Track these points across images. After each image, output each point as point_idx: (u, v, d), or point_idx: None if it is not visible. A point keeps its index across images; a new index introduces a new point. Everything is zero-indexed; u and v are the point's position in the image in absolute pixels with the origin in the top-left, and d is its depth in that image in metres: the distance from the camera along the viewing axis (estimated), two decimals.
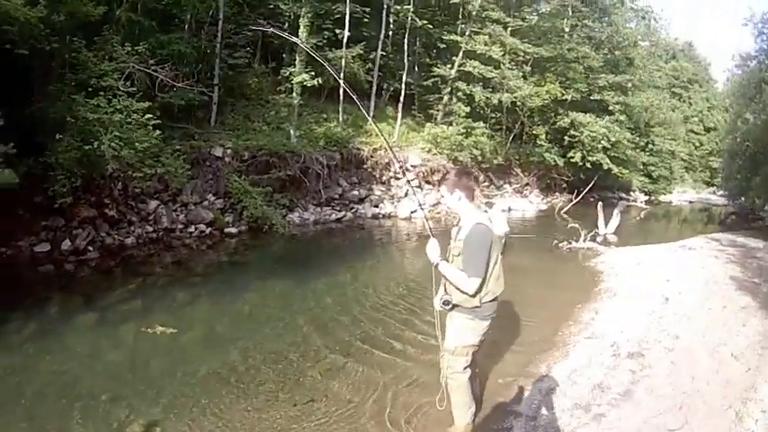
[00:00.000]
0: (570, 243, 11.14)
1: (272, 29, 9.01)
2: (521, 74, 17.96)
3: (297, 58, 15.35)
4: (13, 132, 7.87)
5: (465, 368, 3.41)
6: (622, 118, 18.16)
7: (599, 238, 12.35)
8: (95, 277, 8.97)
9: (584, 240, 11.07)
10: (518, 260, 9.96)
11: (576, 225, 11.58)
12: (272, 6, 16.08)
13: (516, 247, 10.97)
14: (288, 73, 15.16)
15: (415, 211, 16.39)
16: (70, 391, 4.77)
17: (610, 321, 5.88)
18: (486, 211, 9.84)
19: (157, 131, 9.71)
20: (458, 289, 3.24)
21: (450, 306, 3.32)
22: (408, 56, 18.60)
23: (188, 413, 4.25)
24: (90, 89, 9.53)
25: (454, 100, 18.27)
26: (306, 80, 14.45)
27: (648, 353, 4.72)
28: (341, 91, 16.82)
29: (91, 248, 10.13)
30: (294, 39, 7.31)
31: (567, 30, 20.08)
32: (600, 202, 14.02)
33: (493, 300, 3.34)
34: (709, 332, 5.32)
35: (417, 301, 6.92)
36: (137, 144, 9.13)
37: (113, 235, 10.78)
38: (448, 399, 3.51)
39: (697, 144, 41.80)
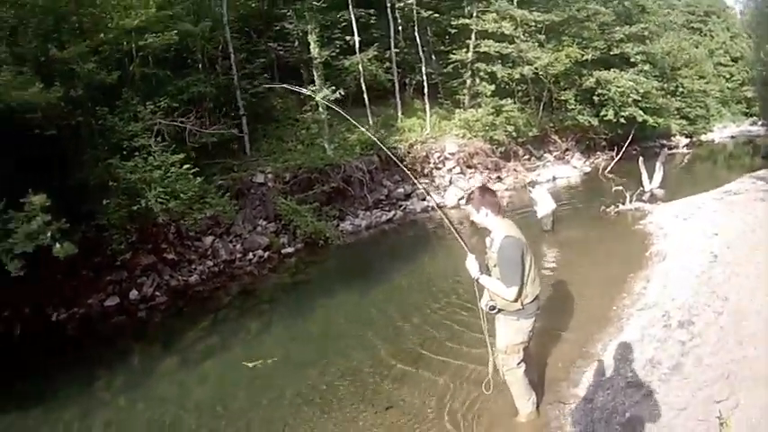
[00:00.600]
0: (617, 206, 11.16)
1: (284, 85, 9.45)
2: (536, 44, 17.78)
3: (315, 74, 15.80)
4: (61, 205, 8.32)
5: (519, 363, 3.79)
6: (646, 68, 17.74)
7: (645, 196, 12.23)
8: (168, 321, 9.51)
9: (631, 201, 11.07)
10: (568, 233, 10.21)
11: (621, 187, 11.53)
12: (278, 28, 16.56)
13: (566, 219, 11.18)
14: (309, 91, 15.69)
15: (462, 198, 16.63)
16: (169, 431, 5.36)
17: (661, 289, 6.09)
18: (530, 191, 9.96)
19: (198, 179, 10.12)
20: (499, 296, 3.62)
21: (497, 310, 3.71)
22: (423, 47, 18.74)
23: None
24: (124, 152, 10.07)
25: (478, 81, 18.31)
26: (328, 96, 14.84)
27: (698, 319, 4.90)
28: (365, 95, 17.29)
29: (158, 293, 10.58)
30: (305, 91, 7.79)
31: None
32: (641, 157, 13.82)
33: (533, 300, 3.69)
34: (759, 289, 5.35)
35: (472, 297, 7.29)
36: (181, 195, 9.65)
37: (176, 276, 11.22)
38: (499, 386, 3.96)
39: (727, 76, 40.19)
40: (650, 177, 13.09)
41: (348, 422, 4.76)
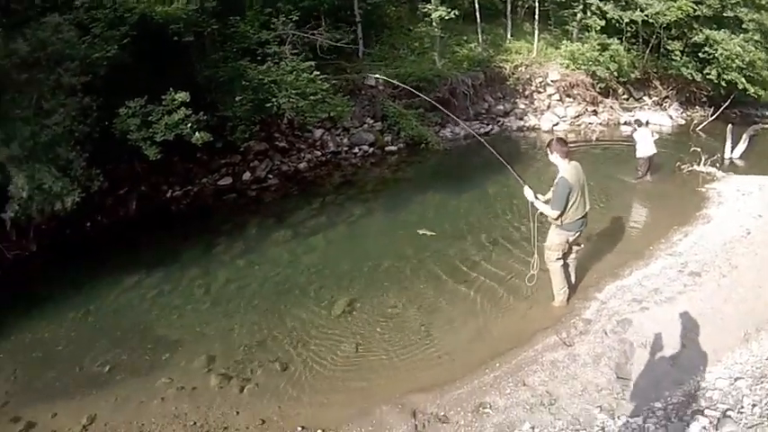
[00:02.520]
0: (691, 166, 12.01)
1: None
2: None
3: None
4: (191, 100, 9.31)
5: (557, 259, 5.79)
6: (757, 37, 17.00)
7: (724, 162, 12.91)
8: (279, 200, 11.22)
9: (704, 164, 12.00)
10: (642, 180, 11.27)
11: (699, 149, 12.35)
12: None
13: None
14: (425, 9, 16.42)
15: (557, 124, 17.80)
16: (282, 286, 7.30)
17: (692, 244, 7.58)
18: (635, 130, 10.76)
19: (326, 84, 11.43)
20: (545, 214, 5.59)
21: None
22: None
23: (377, 292, 6.91)
24: (258, 57, 11.45)
25: (588, 14, 18.43)
26: (443, 15, 15.76)
27: (706, 273, 6.49)
28: (477, 14, 18.04)
29: (270, 176, 12.21)
30: None
31: None
32: (731, 124, 14.22)
33: (573, 221, 5.55)
34: (766, 269, 6.53)
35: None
36: (310, 96, 11.11)
37: (287, 162, 12.86)
38: (541, 283, 6.06)
39: None
40: (734, 146, 13.65)
41: (429, 288, 6.92)
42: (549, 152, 5.63)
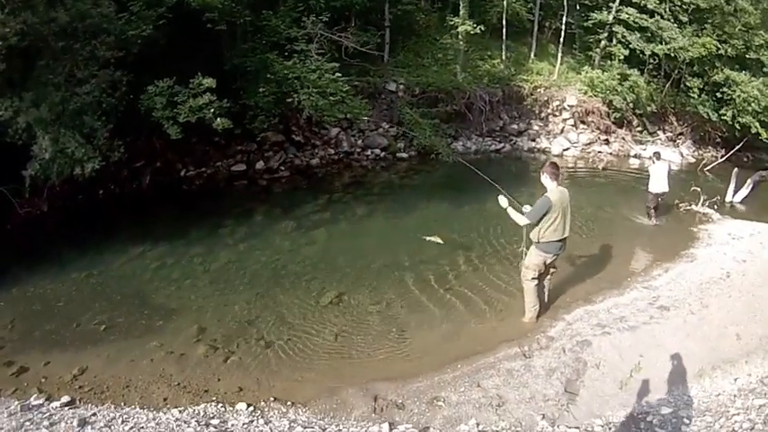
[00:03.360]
0: (689, 205, 12.24)
1: None
2: (677, 25, 17.70)
3: (461, 3, 16.88)
4: (216, 86, 9.64)
5: (533, 278, 6.21)
6: None
7: (725, 205, 13.04)
8: (288, 192, 11.67)
9: (701, 205, 12.25)
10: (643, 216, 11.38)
11: (699, 188, 12.58)
12: None
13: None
14: (453, 22, 16.82)
15: (567, 149, 18.09)
16: (279, 273, 7.78)
17: (669, 279, 7.90)
18: (653, 162, 10.78)
19: (346, 86, 11.75)
20: (516, 223, 6.06)
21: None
22: None
23: (366, 288, 7.37)
24: (286, 53, 11.78)
25: (614, 41, 18.69)
26: (469, 30, 16.16)
27: (675, 309, 6.79)
28: (504, 31, 18.39)
29: (282, 168, 12.68)
30: None
31: None
32: (736, 168, 14.34)
33: (550, 242, 5.98)
34: (736, 311, 6.77)
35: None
36: (330, 96, 11.43)
37: (300, 156, 13.31)
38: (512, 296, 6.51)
39: None
40: (736, 190, 13.84)
41: (418, 290, 7.39)
42: (541, 173, 6.09)
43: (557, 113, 19.07)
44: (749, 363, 5.69)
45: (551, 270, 6.50)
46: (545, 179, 6.04)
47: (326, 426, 4.53)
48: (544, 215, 5.87)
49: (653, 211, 11.01)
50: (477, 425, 4.49)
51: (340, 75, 11.85)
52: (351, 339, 6.18)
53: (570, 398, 4.93)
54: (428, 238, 8.75)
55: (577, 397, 4.95)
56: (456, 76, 17.00)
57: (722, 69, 17.66)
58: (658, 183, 10.84)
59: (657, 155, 11.61)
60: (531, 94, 18.67)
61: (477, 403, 4.81)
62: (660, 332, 6.24)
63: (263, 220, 10.00)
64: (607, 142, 19.02)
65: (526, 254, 6.28)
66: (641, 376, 5.32)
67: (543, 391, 5.02)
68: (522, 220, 6.02)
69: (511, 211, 6.11)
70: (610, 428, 4.58)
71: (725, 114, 17.53)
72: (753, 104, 16.51)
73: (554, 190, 5.96)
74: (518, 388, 5.05)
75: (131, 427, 4.46)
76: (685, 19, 17.98)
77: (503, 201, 6.15)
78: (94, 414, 4.69)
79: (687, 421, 4.71)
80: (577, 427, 4.54)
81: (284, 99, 11.49)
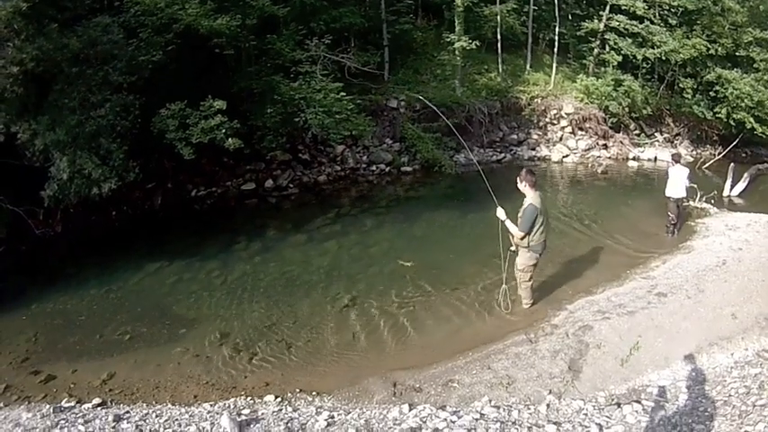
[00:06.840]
0: (687, 201, 12.60)
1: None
2: (666, 28, 18.23)
3: (456, 20, 17.44)
4: (226, 108, 9.97)
5: (528, 279, 6.67)
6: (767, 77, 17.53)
7: (723, 200, 13.42)
8: (298, 208, 12.04)
9: (699, 200, 12.59)
10: (642, 215, 11.87)
11: (695, 185, 12.90)
12: None
13: (647, 197, 12.93)
14: (449, 38, 17.38)
15: (567, 156, 18.49)
16: (293, 282, 8.14)
17: (667, 270, 8.23)
18: (670, 165, 11.08)
19: (351, 105, 12.20)
20: (513, 235, 6.43)
21: (515, 248, 6.58)
22: (560, 7, 19.76)
23: (378, 292, 7.74)
24: (291, 75, 12.24)
25: (607, 49, 19.23)
26: (465, 46, 16.74)
27: (672, 295, 7.12)
28: (499, 45, 18.98)
29: (291, 186, 13.03)
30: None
31: None
32: (732, 164, 14.72)
33: (538, 243, 6.43)
34: (731, 294, 7.03)
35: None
36: (336, 115, 11.88)
37: (308, 174, 13.69)
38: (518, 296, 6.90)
39: None
40: (734, 184, 14.17)
41: (428, 294, 7.70)
42: (518, 181, 6.49)
43: (555, 122, 19.55)
44: (745, 339, 6.00)
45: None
46: (524, 187, 6.42)
47: (350, 410, 4.89)
48: (534, 222, 6.31)
49: (674, 219, 10.48)
50: (490, 401, 4.84)
51: (344, 94, 12.29)
52: (367, 337, 6.55)
53: (575, 375, 5.27)
54: (400, 262, 8.87)
55: (581, 374, 5.30)
56: (455, 91, 17.52)
57: (714, 68, 18.15)
58: (675, 187, 10.46)
59: (677, 156, 11.28)
60: (529, 105, 19.18)
61: (489, 383, 5.17)
62: (658, 315, 6.57)
63: (275, 235, 10.36)
64: (605, 147, 19.44)
65: (510, 255, 6.73)
66: (640, 354, 5.66)
67: (549, 370, 5.37)
68: (518, 231, 6.37)
69: (508, 224, 6.46)
70: (612, 399, 4.91)
71: (719, 112, 17.94)
72: (746, 100, 16.92)
73: (534, 196, 6.38)
74: (526, 368, 5.41)
75: (166, 420, 4.81)
76: (675, 22, 18.56)
77: (501, 213, 6.50)
78: (128, 412, 5.02)
79: (685, 390, 5.04)
80: (582, 400, 4.86)
81: (291, 119, 11.91)
